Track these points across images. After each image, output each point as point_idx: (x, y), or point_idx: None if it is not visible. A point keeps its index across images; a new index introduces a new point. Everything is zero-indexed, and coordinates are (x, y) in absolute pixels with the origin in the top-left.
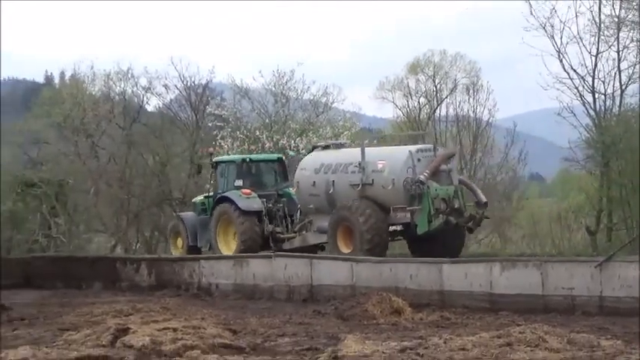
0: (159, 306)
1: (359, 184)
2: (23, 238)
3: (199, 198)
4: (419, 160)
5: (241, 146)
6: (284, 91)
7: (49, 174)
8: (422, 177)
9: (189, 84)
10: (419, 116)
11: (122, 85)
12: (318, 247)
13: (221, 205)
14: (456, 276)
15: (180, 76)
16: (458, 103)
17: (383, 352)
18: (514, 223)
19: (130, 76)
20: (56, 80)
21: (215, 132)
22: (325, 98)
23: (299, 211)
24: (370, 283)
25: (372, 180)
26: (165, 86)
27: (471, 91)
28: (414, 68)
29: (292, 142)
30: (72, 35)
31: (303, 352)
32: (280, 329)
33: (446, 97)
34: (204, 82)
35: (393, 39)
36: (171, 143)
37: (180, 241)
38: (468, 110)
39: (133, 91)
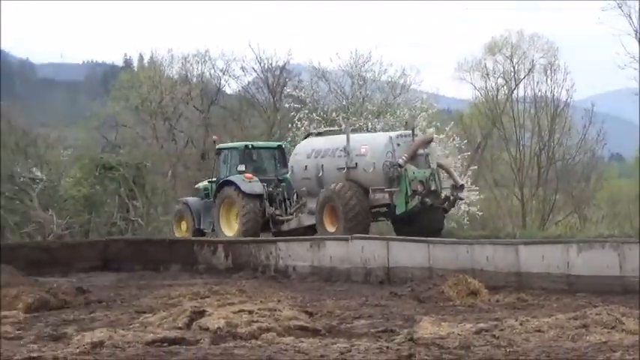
0: (235, 288)
1: (344, 168)
2: (101, 221)
3: (202, 184)
4: (398, 144)
5: (318, 128)
6: (361, 73)
7: (127, 157)
8: (400, 160)
9: (266, 66)
10: (496, 97)
11: (200, 68)
12: (312, 229)
13: (225, 188)
14: (533, 257)
15: (257, 58)
16: (535, 84)
17: (459, 334)
18: (593, 203)
19: (207, 58)
20: (135, 63)
21: (292, 114)
22: (403, 80)
23: (295, 195)
24: (446, 265)
25: (356, 163)
26: (243, 68)
27: (549, 72)
28: (492, 49)
29: (369, 123)
30: (151, 19)
31: (379, 334)
32: (356, 311)
33: (523, 78)
34: (281, 64)
35: (471, 19)
36: (249, 125)
37: (184, 225)
38: (545, 91)
39: (210, 74)
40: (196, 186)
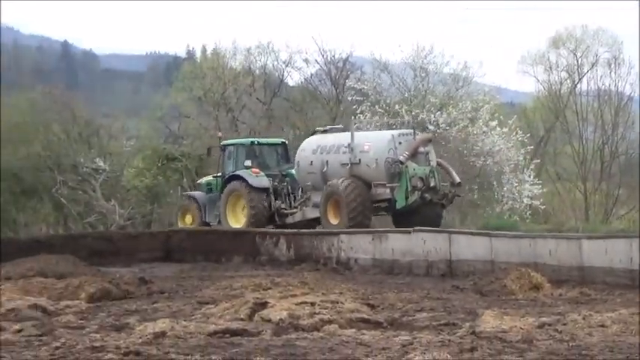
0: (297, 280)
1: (348, 163)
2: (164, 211)
3: (205, 179)
4: (400, 143)
5: (380, 120)
6: (423, 65)
7: (190, 148)
8: (401, 157)
9: (329, 58)
10: (560, 90)
11: (263, 60)
12: (315, 221)
13: (232, 182)
14: (596, 252)
15: (320, 50)
16: (599, 78)
17: (521, 328)
18: None
19: (270, 50)
20: (197, 55)
21: (355, 106)
22: (465, 72)
23: (300, 189)
24: (509, 259)
25: (359, 160)
26: (306, 60)
27: (613, 66)
28: (556, 42)
29: (432, 116)
30: (214, 10)
31: (441, 327)
32: (418, 304)
33: (587, 72)
34: (344, 56)
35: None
36: (312, 117)
37: (189, 218)
38: (609, 85)
39: (273, 66)
40: (199, 181)
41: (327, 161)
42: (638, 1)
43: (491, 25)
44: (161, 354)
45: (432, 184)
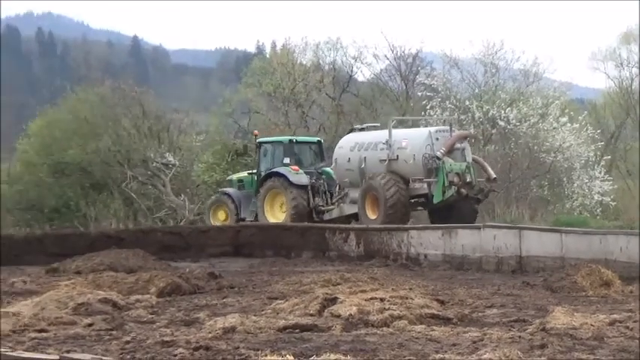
0: (367, 276)
1: (386, 159)
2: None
3: (235, 176)
4: (437, 139)
5: (450, 116)
6: (494, 61)
7: None
8: (438, 153)
9: (399, 54)
10: (631, 86)
11: (332, 55)
12: (352, 217)
13: (271, 179)
14: None
15: (390, 45)
16: None
17: (591, 325)
18: None
19: (339, 46)
20: (267, 50)
21: (424, 102)
22: (535, 68)
23: (337, 186)
24: (579, 255)
25: (397, 156)
26: (375, 56)
27: None
28: (627, 38)
29: (502, 112)
30: (283, 6)
31: (511, 323)
32: (488, 300)
33: None
34: (414, 51)
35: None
36: (381, 113)
37: (222, 214)
38: None
39: (342, 61)
40: (229, 178)
41: (364, 158)
42: (638, 1)
43: (562, 21)
44: (231, 349)
45: (467, 180)
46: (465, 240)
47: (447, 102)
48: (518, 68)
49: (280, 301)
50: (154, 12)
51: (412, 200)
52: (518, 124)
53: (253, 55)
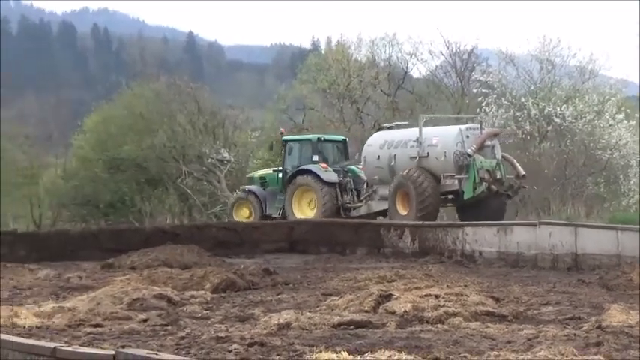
0: (421, 272)
1: (416, 157)
2: None
3: (257, 173)
4: (467, 137)
5: (506, 113)
6: (550, 58)
7: None
8: (469, 150)
9: (454, 50)
10: None
11: (387, 52)
12: (381, 214)
13: (300, 177)
14: None
15: (445, 42)
16: None
17: None
18: None
19: (395, 42)
20: (322, 46)
21: (480, 98)
22: (591, 65)
23: (365, 184)
24: (635, 253)
25: (428, 153)
26: (431, 52)
27: None
28: None
29: (558, 109)
30: (338, 2)
31: (567, 321)
32: (543, 298)
33: None
34: (469, 48)
35: None
36: (436, 109)
37: (245, 211)
38: None
39: (397, 58)
40: (249, 175)
41: (394, 155)
42: (638, 1)
43: (619, 18)
44: (285, 345)
45: (497, 177)
46: (520, 237)
47: (503, 99)
48: (574, 65)
49: (335, 298)
50: (210, 8)
51: (442, 197)
52: (573, 121)
53: (308, 52)
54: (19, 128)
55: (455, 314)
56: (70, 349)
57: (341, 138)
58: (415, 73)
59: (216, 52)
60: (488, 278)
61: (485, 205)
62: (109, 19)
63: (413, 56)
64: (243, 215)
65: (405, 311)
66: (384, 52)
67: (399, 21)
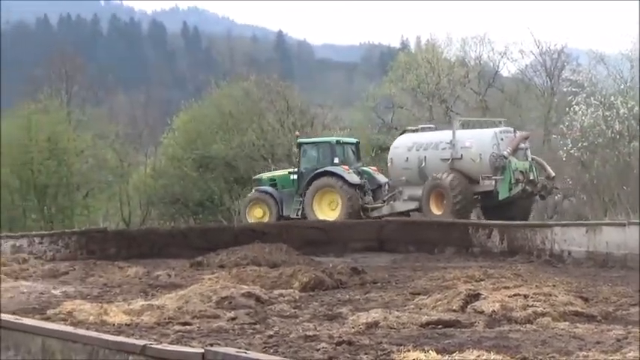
0: (510, 272)
1: (449, 159)
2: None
3: (266, 175)
4: (502, 139)
5: (595, 112)
6: None
7: None
8: (505, 152)
9: (544, 49)
10: None
11: (477, 50)
12: (404, 214)
13: (322, 178)
14: None
15: (535, 41)
16: None
17: None
18: None
19: (486, 41)
20: (412, 45)
21: (570, 98)
22: None
23: (387, 184)
24: None
25: (461, 155)
26: (521, 51)
27: None
28: None
29: None
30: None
31: None
32: (633, 298)
33: None
34: (559, 47)
35: None
36: (526, 109)
37: (259, 211)
38: None
39: (488, 57)
40: (258, 177)
41: (424, 157)
42: (638, 1)
43: None
44: (373, 344)
45: (531, 178)
46: (610, 237)
47: (592, 98)
48: None
49: (423, 297)
50: (299, 7)
51: (475, 196)
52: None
53: (397, 50)
54: (109, 127)
55: (543, 314)
56: (159, 347)
57: (354, 140)
58: (504, 72)
59: (305, 51)
60: (577, 278)
61: (514, 206)
62: (199, 18)
63: (504, 55)
64: (256, 215)
65: (494, 311)
66: (474, 51)
67: (489, 20)
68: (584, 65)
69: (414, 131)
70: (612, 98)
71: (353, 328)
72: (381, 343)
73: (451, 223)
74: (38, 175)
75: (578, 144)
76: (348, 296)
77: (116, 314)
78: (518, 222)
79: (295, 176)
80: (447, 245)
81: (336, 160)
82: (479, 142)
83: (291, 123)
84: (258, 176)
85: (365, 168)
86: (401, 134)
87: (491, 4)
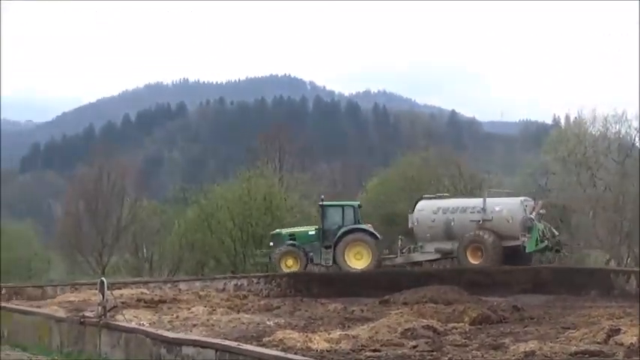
0: None
1: (479, 220)
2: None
3: (284, 230)
4: (526, 206)
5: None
6: None
7: (555, 199)
8: (532, 216)
9: None
10: None
11: (617, 127)
12: (417, 264)
13: (354, 233)
14: None
15: None
16: None
17: None
18: None
19: (624, 119)
20: (562, 122)
21: None
22: None
23: (399, 240)
24: None
25: (492, 217)
26: None
27: None
28: None
29: None
30: (572, 84)
31: None
32: None
33: None
34: None
35: None
36: None
37: (291, 261)
38: None
39: (626, 132)
40: (274, 232)
41: (452, 219)
42: (638, 1)
43: None
44: None
45: (547, 235)
46: None
47: None
48: None
49: (572, 331)
50: (471, 89)
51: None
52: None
53: (550, 126)
54: (313, 188)
55: None
56: None
57: (357, 203)
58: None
59: (475, 126)
60: None
61: (523, 255)
62: (386, 99)
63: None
64: (288, 265)
65: (632, 343)
66: (614, 127)
67: (627, 98)
68: None
69: (431, 198)
70: None
71: (514, 356)
72: None
73: (595, 269)
74: (256, 228)
75: None
76: (509, 329)
77: (319, 342)
78: None
79: (313, 232)
80: (592, 288)
81: (360, 219)
82: (509, 207)
83: (463, 186)
84: (276, 232)
85: (362, 226)
86: (418, 200)
87: (628, 82)
